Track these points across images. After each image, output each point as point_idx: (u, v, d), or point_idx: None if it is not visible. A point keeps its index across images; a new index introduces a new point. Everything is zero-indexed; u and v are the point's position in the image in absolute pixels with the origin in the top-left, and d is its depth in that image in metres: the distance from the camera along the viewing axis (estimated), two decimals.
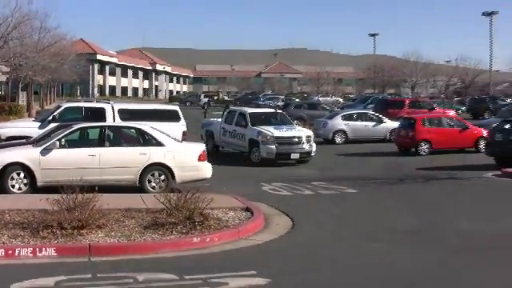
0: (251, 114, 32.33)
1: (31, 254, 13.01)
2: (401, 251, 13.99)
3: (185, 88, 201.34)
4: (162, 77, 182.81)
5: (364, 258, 13.38)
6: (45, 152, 20.00)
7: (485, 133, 35.60)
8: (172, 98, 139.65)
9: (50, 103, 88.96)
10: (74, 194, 14.70)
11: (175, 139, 22.79)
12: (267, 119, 33.14)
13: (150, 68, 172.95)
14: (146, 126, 22.15)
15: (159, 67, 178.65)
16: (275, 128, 31.34)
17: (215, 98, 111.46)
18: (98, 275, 11.54)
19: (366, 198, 21.43)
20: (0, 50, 49.87)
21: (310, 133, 32.65)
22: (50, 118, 28.75)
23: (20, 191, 19.68)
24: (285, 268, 12.42)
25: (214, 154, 30.78)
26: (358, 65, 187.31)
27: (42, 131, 25.11)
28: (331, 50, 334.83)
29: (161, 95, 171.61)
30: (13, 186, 19.72)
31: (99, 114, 28.11)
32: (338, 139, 41.67)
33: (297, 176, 26.12)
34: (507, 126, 31.80)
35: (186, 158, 21.15)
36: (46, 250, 13.08)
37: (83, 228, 14.15)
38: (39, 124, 28.34)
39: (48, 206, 14.95)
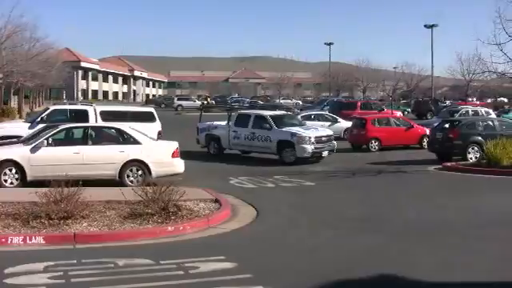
0: (272, 117, 31.26)
1: (22, 242, 12.99)
2: (351, 236, 14.12)
3: (160, 92, 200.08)
4: (140, 82, 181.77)
5: (319, 242, 13.49)
6: (34, 150, 19.95)
7: (427, 131, 36.02)
8: (148, 101, 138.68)
9: (39, 106, 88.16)
10: (60, 188, 14.66)
11: (151, 138, 22.84)
12: (287, 121, 32.14)
13: (128, 74, 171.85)
14: (124, 126, 22.17)
15: (137, 73, 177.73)
16: (304, 129, 30.86)
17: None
18: (83, 261, 11.52)
19: (323, 190, 21.53)
20: None
21: (331, 132, 32.53)
22: (39, 119, 28.64)
23: (12, 185, 19.68)
24: (250, 253, 12.49)
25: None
26: (315, 71, 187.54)
27: (31, 131, 24.97)
28: (292, 57, 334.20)
29: (138, 98, 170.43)
30: (5, 181, 19.74)
31: (83, 116, 28.03)
32: None
33: (260, 171, 26.17)
34: (446, 126, 32.26)
35: (160, 154, 21.16)
36: (35, 239, 13.06)
37: (69, 218, 14.14)
38: (29, 125, 28.21)
39: (37, 198, 14.89)
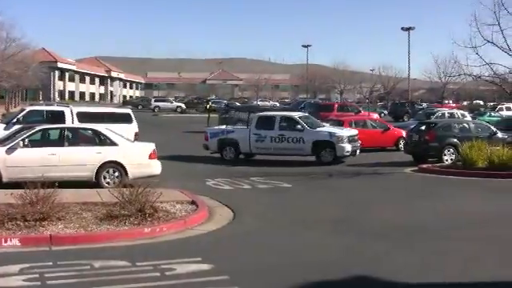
0: (301, 118, 31.17)
1: None
2: (327, 237, 14.14)
3: (137, 93, 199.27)
4: (117, 83, 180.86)
5: (295, 243, 13.53)
6: (10, 151, 19.81)
7: (404, 133, 36.23)
8: (125, 102, 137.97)
9: (15, 107, 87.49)
10: (36, 190, 14.54)
11: (128, 139, 22.77)
12: (311, 121, 31.94)
13: (105, 75, 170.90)
14: (101, 127, 22.07)
15: (114, 74, 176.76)
16: (335, 129, 31.26)
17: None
18: (58, 263, 11.45)
19: (300, 192, 21.58)
20: None
21: (357, 132, 32.53)
22: (15, 120, 28.49)
23: None
24: (227, 254, 12.49)
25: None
26: (293, 72, 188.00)
27: (7, 132, 24.80)
28: (269, 59, 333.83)
29: (115, 100, 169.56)
30: None
31: (59, 117, 27.91)
32: None
33: (237, 172, 26.19)
34: (423, 128, 32.50)
35: (137, 156, 21.10)
36: (10, 241, 12.94)
37: (44, 220, 14.05)
38: (4, 126, 28.02)
39: (12, 200, 14.77)
